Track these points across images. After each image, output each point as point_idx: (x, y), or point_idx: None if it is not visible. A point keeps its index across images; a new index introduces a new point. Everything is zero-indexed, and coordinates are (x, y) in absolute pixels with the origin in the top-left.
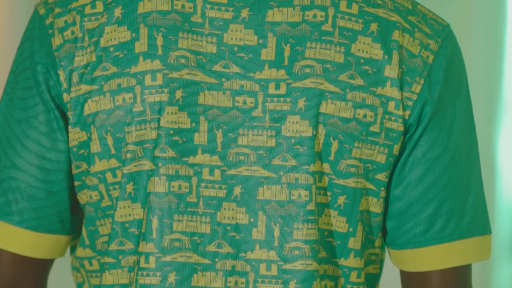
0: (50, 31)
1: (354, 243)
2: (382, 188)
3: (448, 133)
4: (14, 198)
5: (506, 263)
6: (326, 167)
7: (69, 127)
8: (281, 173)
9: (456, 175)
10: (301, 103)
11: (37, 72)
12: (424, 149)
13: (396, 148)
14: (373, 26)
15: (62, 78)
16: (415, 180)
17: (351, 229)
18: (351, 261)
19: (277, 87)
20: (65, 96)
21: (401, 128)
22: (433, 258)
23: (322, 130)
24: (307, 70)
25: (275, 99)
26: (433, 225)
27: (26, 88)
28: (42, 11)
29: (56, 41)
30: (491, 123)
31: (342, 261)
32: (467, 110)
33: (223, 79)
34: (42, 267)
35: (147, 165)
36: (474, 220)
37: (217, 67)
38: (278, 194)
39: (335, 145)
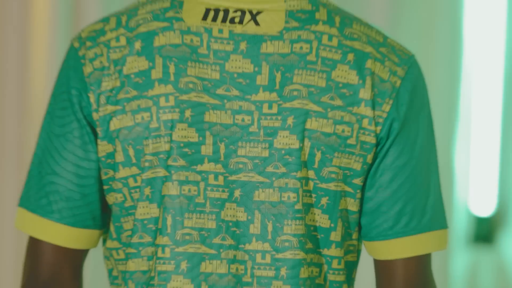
0: (82, 61)
1: (335, 236)
2: (358, 191)
3: (412, 145)
4: (54, 199)
5: (461, 253)
6: (311, 173)
7: (98, 140)
8: (273, 178)
9: (418, 180)
10: (290, 121)
11: (72, 95)
12: (392, 158)
13: (369, 157)
14: (350, 56)
15: (92, 100)
16: (384, 184)
17: (332, 225)
18: (332, 251)
19: (270, 107)
20: (95, 115)
21: (374, 141)
22: (399, 248)
23: (307, 143)
24: (295, 93)
25: (268, 117)
26: (399, 221)
27: (63, 108)
28: (76, 45)
29: (87, 69)
30: (449, 137)
31: (325, 251)
32: (429, 126)
33: (225, 101)
34: (78, 256)
35: (161, 172)
36: (433, 217)
37: (220, 91)
38: (271, 196)
39: (318, 155)
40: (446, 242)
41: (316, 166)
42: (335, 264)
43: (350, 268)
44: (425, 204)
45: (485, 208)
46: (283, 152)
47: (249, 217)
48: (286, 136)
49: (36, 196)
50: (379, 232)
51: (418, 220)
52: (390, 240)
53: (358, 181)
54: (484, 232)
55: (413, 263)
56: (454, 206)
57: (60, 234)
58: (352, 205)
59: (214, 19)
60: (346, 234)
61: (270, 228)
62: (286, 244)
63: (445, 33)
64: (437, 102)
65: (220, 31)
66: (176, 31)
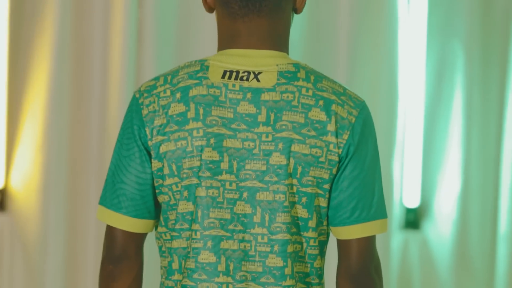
0: (141, 106)
1: (311, 223)
2: (327, 193)
3: (363, 162)
4: (122, 200)
5: (397, 234)
6: (295, 181)
7: (152, 160)
8: (269, 185)
9: (367, 185)
10: (280, 146)
11: (134, 129)
12: (349, 171)
13: (334, 170)
14: (321, 102)
15: (147, 132)
16: (344, 188)
17: (309, 216)
18: (310, 234)
19: (267, 136)
20: (149, 143)
21: (337, 159)
22: (353, 231)
23: (292, 161)
24: (283, 127)
25: (266, 143)
26: (354, 213)
27: (128, 138)
28: (137, 95)
29: (144, 112)
30: (389, 153)
31: (304, 234)
32: (374, 149)
33: (237, 132)
34: (140, 237)
35: (194, 181)
36: (377, 210)
37: (233, 125)
38: (267, 196)
39: (299, 169)
40: (386, 227)
41: (298, 176)
42: (311, 243)
43: (322, 245)
44: (371, 201)
45: (413, 201)
46: (275, 166)
47: (253, 211)
48: (278, 156)
49: (110, 197)
50: (340, 221)
51: (366, 212)
52: (348, 226)
53: (327, 186)
54: (412, 219)
55: (363, 241)
56: (392, 200)
57: (127, 223)
58: (323, 202)
59: (229, 77)
60: (318, 222)
61: (267, 218)
62: (278, 229)
63: (385, 85)
64: (381, 129)
65: (233, 85)
66: (204, 86)
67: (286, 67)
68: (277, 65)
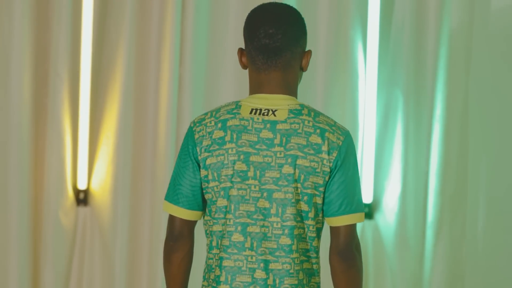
0: (194, 132)
1: (310, 215)
2: (321, 194)
3: (346, 172)
4: (180, 197)
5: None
6: (299, 185)
7: (200, 169)
8: (282, 187)
9: (350, 188)
10: (289, 160)
11: (189, 148)
12: (337, 178)
13: (327, 178)
14: (318, 131)
15: (198, 150)
16: (333, 190)
17: (309, 209)
18: (309, 222)
19: (280, 154)
20: (199, 157)
21: (328, 170)
22: (341, 220)
23: (297, 170)
24: (292, 147)
25: (279, 158)
26: (340, 208)
27: (185, 154)
28: (192, 125)
29: (196, 136)
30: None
31: (306, 222)
32: (355, 163)
33: (259, 151)
34: (192, 224)
35: (229, 184)
36: (357, 206)
37: (257, 146)
38: (280, 195)
39: (302, 176)
40: (363, 218)
41: (301, 181)
42: (311, 228)
43: (319, 231)
44: (353, 199)
45: (368, 198)
46: (286, 174)
47: (270, 206)
48: (287, 167)
49: (172, 195)
50: (331, 213)
51: (349, 207)
52: (337, 217)
53: (321, 189)
54: (367, 211)
55: (347, 227)
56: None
57: (183, 213)
58: (319, 200)
59: (255, 113)
60: (316, 214)
61: (280, 210)
62: (287, 218)
63: (349, 118)
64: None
65: (258, 118)
66: (237, 118)
67: (294, 106)
68: (288, 105)
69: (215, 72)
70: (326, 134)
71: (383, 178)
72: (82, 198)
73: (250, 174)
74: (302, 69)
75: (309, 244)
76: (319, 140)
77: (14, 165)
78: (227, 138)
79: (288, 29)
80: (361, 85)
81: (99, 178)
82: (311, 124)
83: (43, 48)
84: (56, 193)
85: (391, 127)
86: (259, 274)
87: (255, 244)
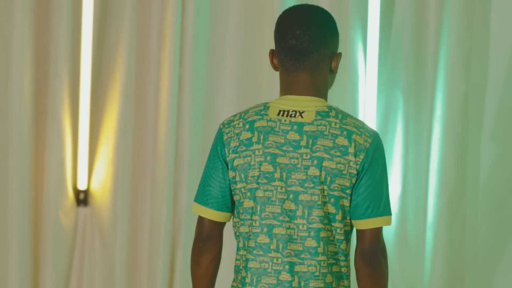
0: (223, 134)
1: (338, 217)
2: (348, 196)
3: (374, 175)
4: (209, 198)
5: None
6: (325, 187)
7: (229, 170)
8: (308, 189)
9: (376, 192)
10: (315, 162)
11: (218, 150)
12: (364, 181)
13: (353, 180)
14: (345, 133)
15: (226, 152)
16: (360, 193)
17: (336, 212)
18: (337, 224)
19: (306, 155)
20: (227, 159)
21: (355, 172)
22: (367, 223)
23: (323, 172)
24: (318, 149)
25: (306, 160)
26: (367, 211)
27: (214, 156)
28: (221, 126)
29: (225, 137)
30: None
31: (333, 224)
32: (383, 166)
33: (286, 152)
34: (221, 225)
35: (255, 185)
36: (384, 209)
37: (284, 148)
38: (307, 197)
39: (328, 178)
40: (390, 222)
41: (328, 183)
42: (338, 231)
43: (347, 233)
44: (380, 203)
45: None
46: (312, 176)
47: (296, 207)
48: (314, 169)
49: (202, 196)
50: (358, 216)
51: (376, 210)
52: (363, 220)
53: (348, 191)
54: None
55: (373, 231)
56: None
57: (212, 214)
58: (346, 202)
59: (282, 114)
60: (343, 216)
61: (306, 213)
62: (313, 220)
63: None
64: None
65: (285, 120)
66: (265, 120)
67: (322, 108)
68: (315, 106)
69: (215, 72)
70: (353, 136)
71: None
72: (82, 198)
73: (277, 175)
74: (332, 71)
75: (337, 246)
76: (345, 142)
77: (14, 165)
78: (254, 139)
79: (315, 30)
80: (361, 85)
81: (99, 179)
82: (338, 126)
83: (43, 48)
84: (56, 194)
85: (391, 127)
86: (284, 276)
87: (280, 246)
